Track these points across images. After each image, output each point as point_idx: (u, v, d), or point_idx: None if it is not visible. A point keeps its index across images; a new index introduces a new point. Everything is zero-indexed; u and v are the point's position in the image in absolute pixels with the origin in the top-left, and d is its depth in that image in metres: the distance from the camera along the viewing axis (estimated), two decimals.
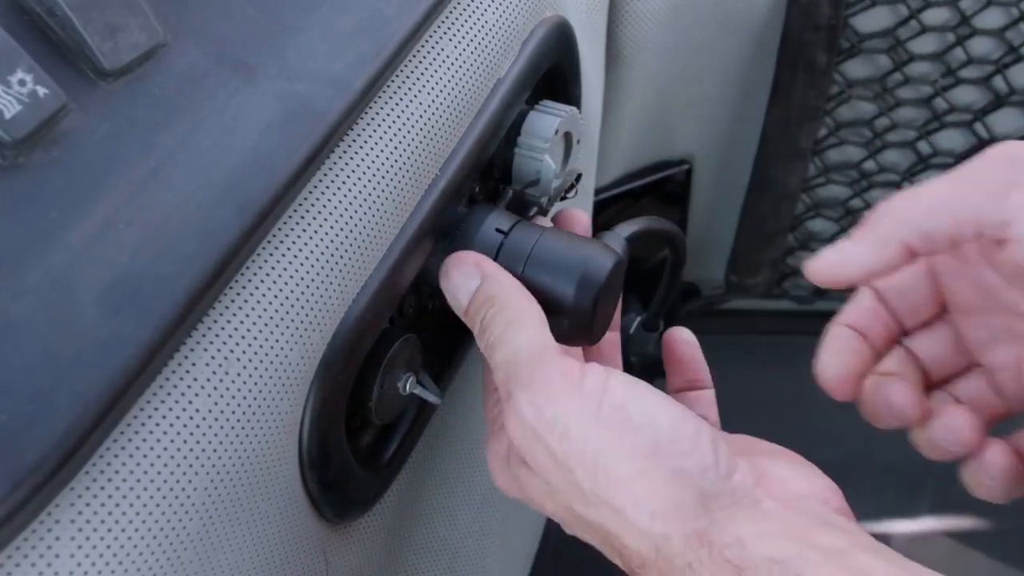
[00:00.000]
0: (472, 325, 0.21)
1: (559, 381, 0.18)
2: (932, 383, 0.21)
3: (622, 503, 0.17)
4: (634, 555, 0.17)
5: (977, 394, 0.21)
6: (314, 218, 0.18)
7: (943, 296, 0.21)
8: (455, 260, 0.21)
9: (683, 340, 0.23)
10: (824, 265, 0.19)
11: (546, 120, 0.24)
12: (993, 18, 0.40)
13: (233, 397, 0.17)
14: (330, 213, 0.19)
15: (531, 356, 0.19)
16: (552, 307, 0.21)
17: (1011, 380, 0.20)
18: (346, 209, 0.19)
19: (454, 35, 0.22)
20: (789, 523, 0.17)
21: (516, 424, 0.18)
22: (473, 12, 0.23)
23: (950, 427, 0.19)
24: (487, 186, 0.25)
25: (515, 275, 0.22)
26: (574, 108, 0.25)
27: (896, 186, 0.46)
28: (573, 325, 0.21)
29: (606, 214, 0.43)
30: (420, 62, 0.21)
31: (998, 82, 0.42)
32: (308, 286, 0.18)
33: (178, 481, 0.16)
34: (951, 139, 0.44)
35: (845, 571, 0.15)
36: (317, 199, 0.19)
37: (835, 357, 0.21)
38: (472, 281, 0.21)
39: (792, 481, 0.18)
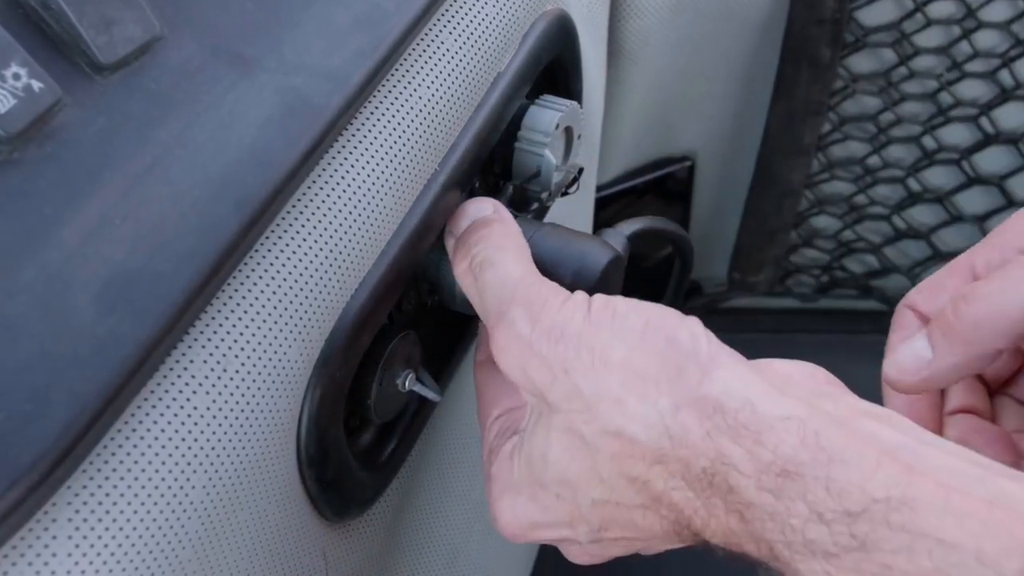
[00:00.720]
0: (459, 248, 0.20)
1: (552, 297, 0.18)
2: (992, 390, 0.21)
3: (623, 386, 0.17)
4: (649, 453, 0.16)
5: None
6: (312, 214, 0.18)
7: None
8: (475, 199, 0.21)
9: None
10: (910, 381, 0.18)
11: (547, 114, 0.24)
12: (999, 11, 0.40)
13: (231, 395, 0.16)
14: (328, 209, 0.19)
15: (524, 277, 0.19)
16: None
17: None
18: (344, 204, 0.19)
19: (453, 28, 0.22)
20: (792, 390, 0.16)
21: (511, 339, 0.18)
22: (473, 5, 0.22)
23: None
24: (487, 181, 0.25)
25: None
26: (575, 103, 0.25)
27: (901, 182, 0.46)
28: None
29: (608, 211, 0.43)
30: (419, 56, 0.21)
31: (1004, 76, 0.41)
32: (306, 282, 0.18)
33: (176, 480, 0.15)
34: (956, 134, 0.44)
35: (855, 434, 0.15)
36: (315, 195, 0.18)
37: (907, 409, 0.20)
38: (482, 212, 0.21)
39: (777, 365, 0.18)
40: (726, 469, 0.16)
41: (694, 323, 0.18)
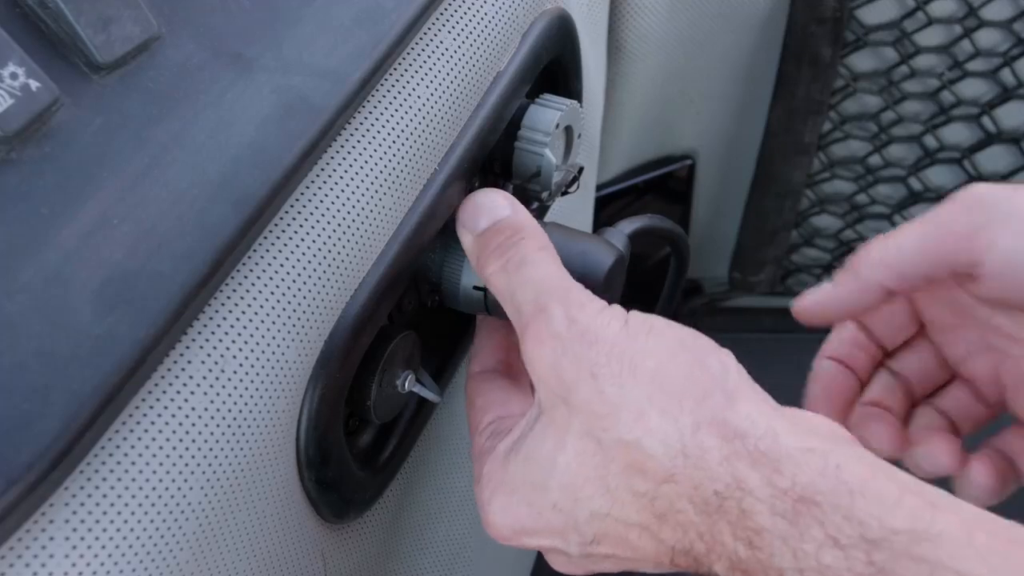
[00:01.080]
0: (482, 249, 0.20)
1: (591, 302, 0.18)
2: (917, 399, 0.23)
3: (647, 399, 0.17)
4: (662, 470, 0.16)
5: (960, 404, 0.22)
6: (311, 213, 0.18)
7: (920, 317, 0.23)
8: (485, 189, 0.21)
9: None
10: (809, 306, 0.22)
11: (547, 114, 0.24)
12: (1001, 9, 0.40)
13: (229, 395, 0.16)
14: (327, 208, 0.18)
15: (563, 279, 0.19)
16: None
17: (990, 388, 0.22)
18: (344, 204, 0.19)
19: (453, 27, 0.22)
20: (816, 426, 0.17)
21: (547, 335, 0.18)
22: (472, 4, 0.22)
23: (929, 456, 0.21)
24: (487, 181, 0.25)
25: None
26: (575, 102, 0.25)
27: (902, 181, 0.46)
28: None
29: (608, 211, 0.43)
30: (419, 55, 0.21)
31: (1006, 75, 0.41)
32: (305, 282, 0.18)
33: (174, 481, 0.15)
34: (957, 133, 0.44)
35: (877, 471, 0.15)
36: (314, 194, 0.18)
37: (823, 394, 0.23)
38: (501, 211, 0.20)
39: (802, 412, 0.18)
40: (740, 494, 0.16)
41: (727, 354, 0.18)
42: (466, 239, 0.21)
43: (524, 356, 0.18)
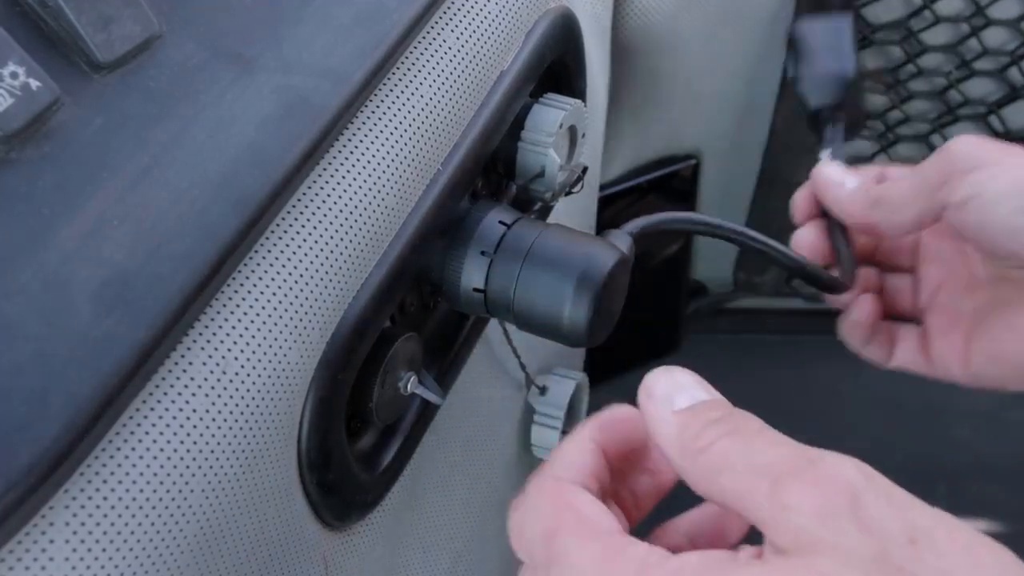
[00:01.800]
0: (691, 421, 0.17)
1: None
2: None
3: (951, 567, 0.14)
4: None
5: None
6: (312, 214, 0.18)
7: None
8: (676, 369, 0.19)
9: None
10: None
11: (550, 113, 0.24)
12: (1008, 8, 0.40)
13: (231, 397, 0.16)
14: (329, 209, 0.18)
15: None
16: (551, 305, 0.21)
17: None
18: (345, 205, 0.19)
19: (456, 26, 0.22)
20: None
21: (828, 481, 0.15)
22: (476, 2, 0.22)
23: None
24: (490, 181, 0.25)
25: (515, 270, 0.21)
26: (579, 101, 0.25)
27: None
28: (570, 325, 0.21)
29: (611, 210, 0.43)
30: (421, 54, 0.21)
31: (1013, 74, 0.41)
32: (307, 284, 0.18)
33: (175, 483, 0.15)
34: (964, 132, 0.43)
35: None
36: (316, 195, 0.18)
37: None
38: (701, 393, 0.18)
39: None
40: None
41: None
42: (660, 411, 0.18)
43: (779, 500, 0.15)
